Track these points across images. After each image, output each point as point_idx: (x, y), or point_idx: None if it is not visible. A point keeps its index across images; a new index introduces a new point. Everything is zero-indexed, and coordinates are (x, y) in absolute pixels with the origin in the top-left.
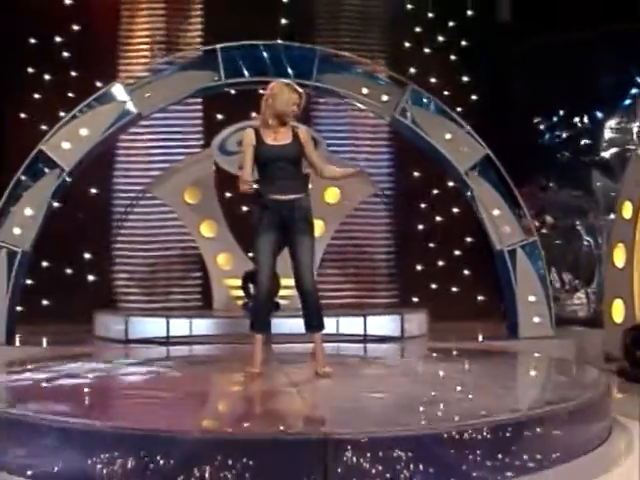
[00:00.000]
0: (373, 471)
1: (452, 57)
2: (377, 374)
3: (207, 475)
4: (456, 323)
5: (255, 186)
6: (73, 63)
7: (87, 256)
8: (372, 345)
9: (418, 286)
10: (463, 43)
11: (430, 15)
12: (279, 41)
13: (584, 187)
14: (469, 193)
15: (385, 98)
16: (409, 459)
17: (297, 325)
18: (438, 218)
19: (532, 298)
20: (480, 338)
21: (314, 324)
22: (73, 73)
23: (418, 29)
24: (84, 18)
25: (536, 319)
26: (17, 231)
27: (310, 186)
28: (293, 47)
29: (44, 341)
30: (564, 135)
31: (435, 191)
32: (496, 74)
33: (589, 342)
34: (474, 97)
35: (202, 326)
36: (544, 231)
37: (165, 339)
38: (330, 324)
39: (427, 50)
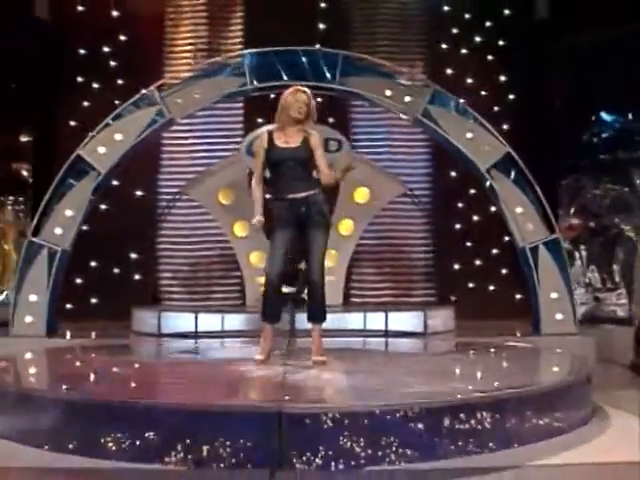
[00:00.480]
0: (325, 443)
1: (489, 57)
2: (373, 363)
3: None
4: (491, 321)
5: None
6: (120, 71)
7: (133, 256)
8: (392, 339)
9: (456, 284)
10: (500, 43)
11: (467, 16)
12: (312, 47)
13: (627, 185)
14: (492, 191)
15: (408, 99)
16: (362, 433)
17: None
18: (475, 217)
19: (554, 295)
20: (503, 334)
21: (316, 316)
22: (120, 81)
23: (455, 30)
24: (130, 28)
25: (559, 316)
26: (58, 231)
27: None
28: (316, 52)
29: (83, 334)
30: (605, 132)
31: (472, 190)
32: (534, 72)
33: (619, 340)
34: (512, 96)
35: (235, 322)
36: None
37: (195, 333)
38: (357, 319)
39: (464, 51)
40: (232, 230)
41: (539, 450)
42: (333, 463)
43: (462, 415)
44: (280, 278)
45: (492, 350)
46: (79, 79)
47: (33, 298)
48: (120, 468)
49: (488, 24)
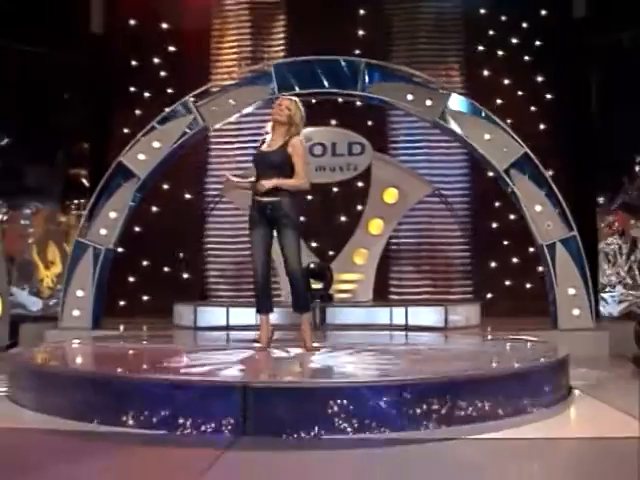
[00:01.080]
0: (287, 414)
1: (526, 58)
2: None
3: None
4: (524, 318)
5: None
6: (169, 81)
7: (182, 255)
8: (411, 333)
9: (493, 282)
10: (537, 43)
11: (503, 18)
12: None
13: None
14: (510, 190)
15: (429, 103)
16: (313, 405)
17: (353, 314)
18: (512, 216)
19: (572, 291)
20: (523, 330)
21: (299, 305)
22: (169, 90)
23: (492, 32)
24: (178, 40)
25: (575, 311)
26: (103, 232)
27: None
28: (338, 60)
29: (126, 327)
30: None
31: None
32: (571, 72)
33: None
34: (549, 96)
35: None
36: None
37: (226, 327)
38: (384, 314)
39: (501, 52)
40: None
41: (497, 425)
42: (287, 431)
43: (411, 393)
44: (265, 276)
45: (482, 341)
46: (131, 89)
47: (80, 293)
48: (129, 432)
49: (525, 25)
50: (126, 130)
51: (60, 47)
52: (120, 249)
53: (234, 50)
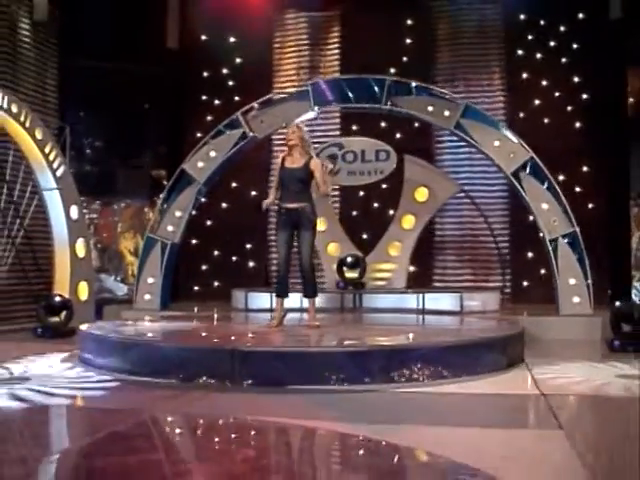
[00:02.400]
0: (260, 370)
1: (563, 59)
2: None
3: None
4: (548, 304)
5: (276, 200)
6: (236, 89)
7: (248, 246)
8: (428, 316)
9: (529, 271)
10: (574, 45)
11: (542, 22)
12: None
13: None
14: (520, 191)
15: (447, 113)
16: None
17: (386, 300)
18: None
19: (572, 281)
20: (531, 315)
21: (309, 293)
22: (237, 98)
23: (530, 36)
24: (244, 52)
25: (576, 299)
26: (170, 228)
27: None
28: (367, 78)
29: (189, 308)
30: None
31: (545, 185)
32: (607, 72)
33: None
34: (585, 96)
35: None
36: None
37: (270, 309)
38: (412, 299)
39: (539, 55)
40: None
41: (445, 382)
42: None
43: (381, 356)
44: (286, 268)
45: (461, 321)
46: (203, 97)
47: (150, 280)
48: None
49: (562, 28)
50: (199, 134)
51: (141, 62)
52: (194, 241)
53: (293, 60)
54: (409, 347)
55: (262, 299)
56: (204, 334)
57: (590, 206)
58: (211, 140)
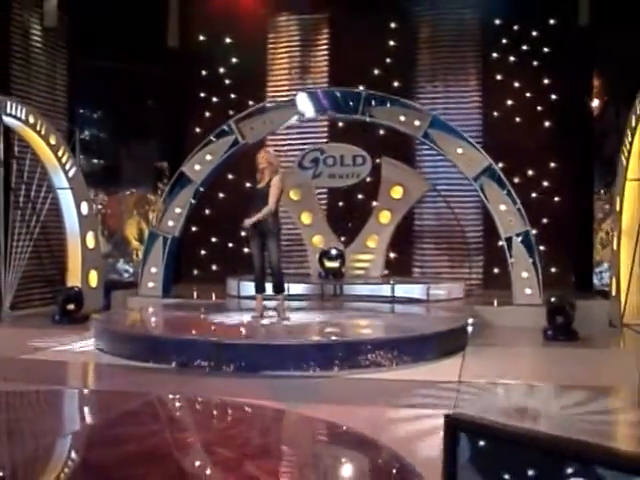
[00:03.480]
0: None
1: (535, 62)
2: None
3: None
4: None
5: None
6: (233, 88)
7: (243, 234)
8: (396, 305)
9: (499, 259)
10: (545, 49)
11: (516, 27)
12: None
13: None
14: (482, 192)
15: (417, 123)
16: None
17: (362, 289)
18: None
19: (525, 274)
20: (487, 304)
21: (277, 288)
22: (233, 95)
23: (505, 40)
24: (240, 52)
25: (527, 290)
26: (170, 223)
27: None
28: (346, 91)
29: (189, 295)
30: None
31: (516, 179)
32: (575, 75)
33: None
34: (554, 97)
35: (298, 288)
36: None
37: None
38: (385, 288)
39: (513, 58)
40: (300, 219)
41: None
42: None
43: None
44: (260, 270)
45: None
46: (202, 94)
47: (153, 270)
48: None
49: (534, 33)
50: (198, 129)
51: (144, 62)
52: (194, 228)
53: (285, 60)
54: (361, 341)
55: (251, 288)
56: (197, 326)
57: (557, 199)
58: (207, 146)
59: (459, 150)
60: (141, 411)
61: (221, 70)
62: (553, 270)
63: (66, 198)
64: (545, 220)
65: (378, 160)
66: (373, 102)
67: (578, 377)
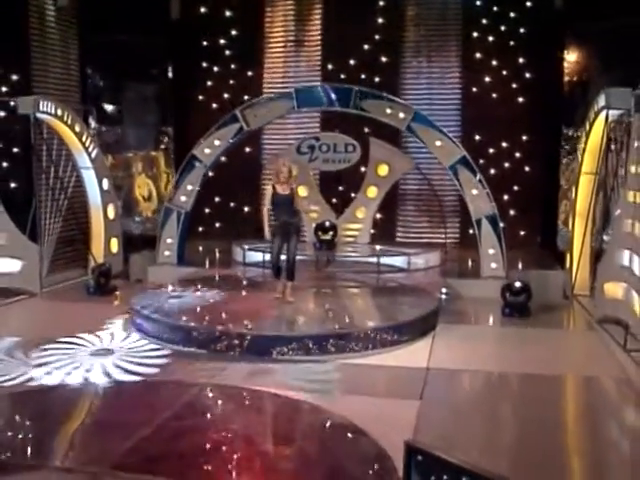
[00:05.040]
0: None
1: (512, 43)
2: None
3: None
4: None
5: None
6: (233, 58)
7: (243, 194)
8: (382, 275)
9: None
10: (522, 30)
11: (495, 8)
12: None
13: None
14: (457, 179)
15: (402, 115)
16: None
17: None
18: (492, 171)
19: (491, 251)
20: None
21: (290, 277)
22: (233, 66)
23: (485, 20)
24: (239, 25)
25: (493, 265)
26: (183, 199)
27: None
28: (338, 86)
29: (200, 261)
30: None
31: (491, 150)
32: (548, 55)
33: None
34: (528, 75)
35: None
36: None
37: (262, 264)
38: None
39: (492, 38)
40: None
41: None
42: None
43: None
44: (277, 259)
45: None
46: (204, 64)
47: (169, 240)
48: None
49: (512, 15)
50: (201, 97)
51: (149, 34)
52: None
53: (281, 33)
54: (348, 331)
55: (254, 256)
56: (228, 314)
57: (527, 169)
58: (216, 131)
59: (438, 143)
60: (199, 402)
61: (221, 41)
62: (522, 232)
63: (89, 176)
64: (516, 187)
65: None
66: (361, 96)
67: (528, 365)
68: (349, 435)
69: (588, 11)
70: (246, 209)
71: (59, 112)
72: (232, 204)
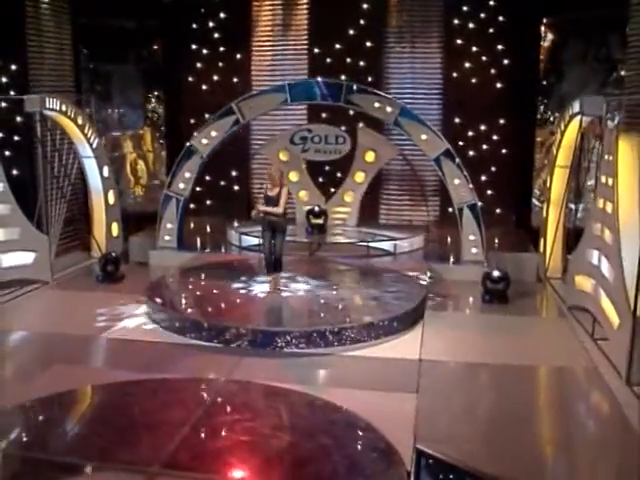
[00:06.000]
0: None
1: (491, 30)
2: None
3: None
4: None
5: (261, 214)
6: (221, 41)
7: (234, 173)
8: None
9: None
10: (500, 18)
11: None
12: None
13: None
14: (440, 170)
15: (389, 109)
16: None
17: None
18: (471, 152)
19: (472, 237)
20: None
21: (277, 269)
22: (221, 48)
23: (465, 8)
24: (228, 8)
25: (474, 250)
26: (181, 186)
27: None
28: (329, 81)
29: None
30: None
31: (470, 133)
32: (525, 42)
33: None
34: (506, 61)
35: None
36: None
37: (257, 247)
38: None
39: (472, 25)
40: (288, 177)
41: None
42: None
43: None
44: (269, 255)
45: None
46: (193, 47)
47: (169, 225)
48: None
49: (492, 3)
50: (190, 79)
51: (141, 17)
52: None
53: (269, 17)
54: (345, 326)
55: (250, 241)
56: (237, 307)
57: (504, 151)
58: (214, 122)
59: (423, 136)
60: (224, 399)
61: (210, 24)
62: (498, 211)
63: (91, 165)
64: (493, 168)
65: None
66: (350, 91)
67: (508, 356)
68: (362, 432)
69: (563, 2)
70: (236, 188)
71: (63, 108)
72: (222, 182)
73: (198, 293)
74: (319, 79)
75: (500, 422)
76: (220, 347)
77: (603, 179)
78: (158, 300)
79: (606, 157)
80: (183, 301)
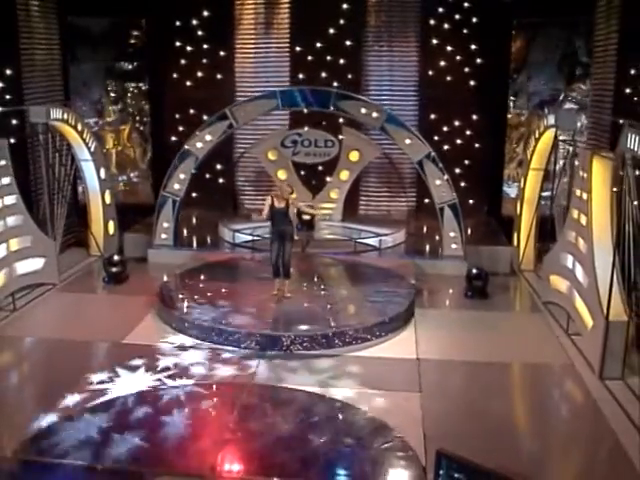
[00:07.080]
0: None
1: (465, 31)
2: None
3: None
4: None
5: (268, 222)
6: (205, 38)
7: (218, 167)
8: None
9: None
10: (474, 20)
11: None
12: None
13: None
14: (422, 171)
15: (375, 115)
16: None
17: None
18: (446, 147)
19: (452, 234)
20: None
21: (286, 276)
22: (205, 45)
23: (441, 9)
24: (211, 7)
25: (454, 246)
26: (176, 187)
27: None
28: (318, 89)
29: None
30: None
31: (445, 128)
32: (497, 43)
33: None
34: (479, 60)
35: None
36: None
37: (252, 244)
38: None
39: (447, 25)
40: (276, 175)
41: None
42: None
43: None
44: (277, 261)
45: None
46: (177, 44)
47: (165, 224)
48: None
49: (466, 4)
50: (175, 75)
51: (126, 14)
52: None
53: (252, 16)
54: (345, 330)
55: (243, 238)
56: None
57: (477, 146)
58: (208, 126)
59: (407, 141)
60: (252, 403)
61: (194, 22)
62: (471, 202)
63: (88, 167)
64: (466, 162)
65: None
66: (338, 97)
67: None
68: (380, 432)
69: (532, 6)
70: (220, 180)
71: (65, 116)
72: (208, 175)
73: (209, 294)
74: (306, 88)
75: (505, 419)
76: (235, 350)
77: (577, 192)
78: (172, 305)
79: (581, 173)
80: (194, 304)
